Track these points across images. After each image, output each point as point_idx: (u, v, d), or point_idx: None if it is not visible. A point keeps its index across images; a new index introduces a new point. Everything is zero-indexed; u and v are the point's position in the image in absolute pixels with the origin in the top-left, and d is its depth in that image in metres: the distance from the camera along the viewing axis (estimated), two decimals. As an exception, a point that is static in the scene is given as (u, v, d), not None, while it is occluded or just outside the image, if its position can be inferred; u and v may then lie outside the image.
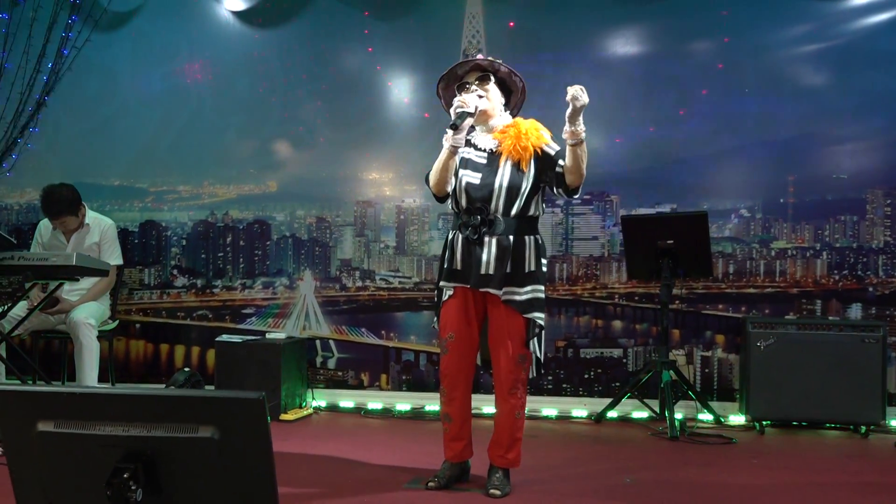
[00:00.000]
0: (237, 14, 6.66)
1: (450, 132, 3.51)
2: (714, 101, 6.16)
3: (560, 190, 3.67)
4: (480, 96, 3.67)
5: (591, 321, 6.28)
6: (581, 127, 3.36)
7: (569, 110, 3.34)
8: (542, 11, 6.28)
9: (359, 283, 6.52)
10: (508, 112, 3.87)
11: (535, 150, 3.66)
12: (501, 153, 3.65)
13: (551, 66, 6.09)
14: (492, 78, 3.75)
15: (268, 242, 6.67)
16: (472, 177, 3.64)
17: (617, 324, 6.27)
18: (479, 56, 3.77)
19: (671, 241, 5.42)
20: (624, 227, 5.67)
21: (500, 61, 3.77)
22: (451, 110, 3.59)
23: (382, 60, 6.50)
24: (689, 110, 6.18)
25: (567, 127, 3.40)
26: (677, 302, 6.06)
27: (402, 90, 6.49)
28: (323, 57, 6.56)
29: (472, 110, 3.56)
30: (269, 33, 6.64)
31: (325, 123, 6.54)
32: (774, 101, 6.10)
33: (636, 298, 6.20)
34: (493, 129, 3.75)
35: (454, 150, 3.56)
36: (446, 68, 3.85)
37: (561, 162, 3.57)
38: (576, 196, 3.72)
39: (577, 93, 3.31)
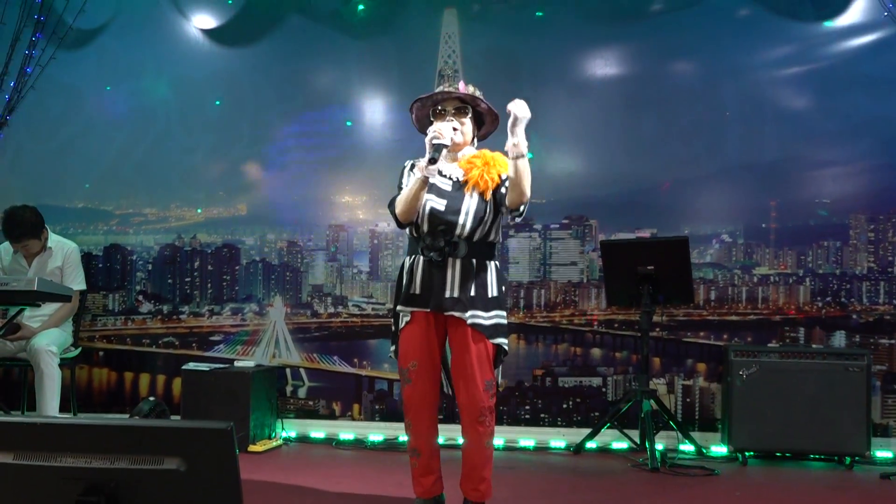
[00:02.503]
0: (206, 32, 6.70)
1: (423, 162, 3.54)
2: (695, 124, 6.23)
3: (503, 208, 3.75)
4: (455, 128, 3.71)
5: (569, 349, 6.31)
6: (521, 140, 3.46)
7: (511, 121, 3.45)
8: (519, 31, 6.35)
9: (331, 310, 6.52)
10: (476, 143, 3.92)
11: (498, 180, 3.74)
12: (467, 182, 3.71)
13: (529, 87, 6.12)
14: (469, 110, 3.80)
15: (237, 267, 6.66)
16: (436, 202, 3.68)
17: (596, 352, 6.29)
18: (461, 85, 3.81)
19: (651, 267, 5.46)
20: (603, 253, 5.71)
21: (481, 96, 3.80)
22: (427, 140, 3.62)
23: (357, 81, 6.54)
24: (669, 133, 6.24)
25: (509, 141, 3.49)
26: (658, 329, 6.11)
27: (376, 111, 6.54)
28: (294, 77, 6.61)
29: (447, 142, 3.61)
30: (240, 52, 6.69)
31: (297, 145, 6.57)
32: (756, 124, 6.18)
33: (616, 326, 6.23)
34: (461, 158, 3.80)
35: (427, 181, 3.60)
36: (425, 92, 3.88)
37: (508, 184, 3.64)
38: (519, 217, 3.80)
39: (517, 106, 3.44)
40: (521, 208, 3.69)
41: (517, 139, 3.43)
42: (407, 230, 3.78)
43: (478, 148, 3.89)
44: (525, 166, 3.48)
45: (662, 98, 6.25)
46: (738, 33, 6.17)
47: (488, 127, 3.94)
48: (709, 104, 6.23)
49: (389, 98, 6.48)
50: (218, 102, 6.69)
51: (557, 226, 6.26)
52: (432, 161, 3.50)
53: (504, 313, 3.73)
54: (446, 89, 3.79)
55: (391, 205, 3.78)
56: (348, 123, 6.50)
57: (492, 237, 3.72)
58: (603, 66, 6.34)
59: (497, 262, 3.79)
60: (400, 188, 3.75)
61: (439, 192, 3.67)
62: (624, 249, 5.70)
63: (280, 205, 6.63)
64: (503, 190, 3.68)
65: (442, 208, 3.65)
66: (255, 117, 6.60)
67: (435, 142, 3.56)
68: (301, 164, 6.55)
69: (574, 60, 6.39)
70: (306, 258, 6.57)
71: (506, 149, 3.51)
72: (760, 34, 6.13)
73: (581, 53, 6.38)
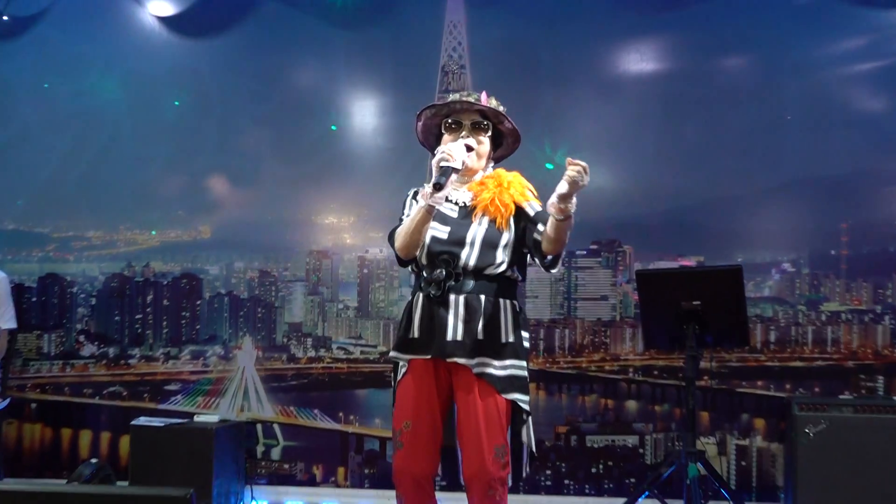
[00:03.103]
0: (165, 20, 6.72)
1: (428, 188, 3.48)
2: (748, 131, 6.20)
3: (535, 258, 3.69)
4: (470, 148, 3.65)
5: (599, 401, 6.28)
6: (573, 204, 3.36)
7: (564, 189, 3.31)
8: (538, 20, 6.34)
9: (311, 353, 6.51)
10: (491, 164, 3.86)
11: (515, 207, 3.67)
12: (476, 206, 3.66)
13: (549, 86, 6.15)
14: (490, 127, 3.75)
15: (198, 302, 6.66)
16: (438, 230, 3.62)
17: (632, 404, 6.26)
18: (484, 96, 3.75)
19: (698, 303, 5.41)
20: (640, 285, 5.67)
21: (504, 112, 3.76)
22: (433, 162, 3.55)
23: (344, 78, 6.57)
24: (718, 141, 6.22)
25: (555, 201, 3.37)
26: (706, 378, 6.05)
27: (366, 114, 6.56)
28: (269, 74, 6.62)
29: (457, 165, 3.53)
30: (204, 44, 6.72)
31: (272, 155, 6.59)
32: (822, 130, 6.15)
33: (655, 373, 6.20)
34: (472, 180, 3.74)
35: (433, 210, 3.53)
36: (437, 97, 3.87)
37: (541, 227, 3.57)
38: (554, 270, 3.71)
39: (579, 175, 3.27)
40: (553, 259, 3.62)
41: (565, 203, 3.33)
42: (411, 267, 3.74)
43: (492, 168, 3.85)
44: (568, 226, 3.42)
45: (709, 99, 6.24)
46: (800, 23, 6.15)
47: (506, 149, 3.88)
48: (765, 107, 6.19)
49: (383, 99, 6.50)
50: (177, 104, 6.73)
51: (584, 252, 6.24)
52: (438, 187, 3.41)
53: (523, 364, 3.65)
54: (465, 98, 3.72)
55: (391, 238, 3.73)
56: (333, 129, 6.50)
57: (507, 272, 3.65)
58: (638, 60, 6.34)
59: (516, 302, 3.72)
60: (402, 220, 3.73)
61: (443, 219, 3.61)
62: (664, 281, 5.65)
63: (251, 227, 6.65)
64: (535, 230, 3.59)
65: (444, 236, 3.59)
66: (223, 122, 6.62)
67: (443, 164, 3.46)
68: (276, 179, 6.56)
69: (603, 54, 6.41)
70: (282, 291, 6.56)
71: (549, 208, 3.43)
72: (827, 24, 6.14)
73: (612, 46, 6.40)
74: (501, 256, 3.67)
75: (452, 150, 3.54)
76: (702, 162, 6.21)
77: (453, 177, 3.55)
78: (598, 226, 6.28)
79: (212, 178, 6.48)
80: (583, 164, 3.28)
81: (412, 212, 3.62)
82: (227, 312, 6.58)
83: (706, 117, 6.20)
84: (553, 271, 3.75)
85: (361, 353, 6.46)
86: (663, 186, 6.22)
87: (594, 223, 6.24)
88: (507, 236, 3.69)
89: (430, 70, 6.21)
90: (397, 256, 3.75)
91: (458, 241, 3.63)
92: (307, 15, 6.50)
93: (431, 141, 3.82)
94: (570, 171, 3.28)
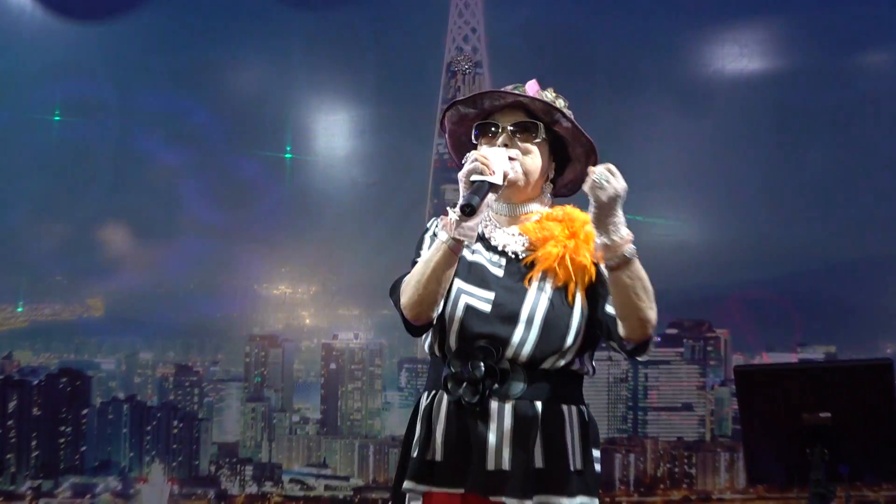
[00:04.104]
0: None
1: (455, 215, 3.16)
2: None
3: (610, 342, 3.34)
4: (512, 158, 3.35)
5: (681, 563, 6.23)
6: (622, 234, 3.03)
7: (592, 205, 2.99)
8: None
9: (252, 488, 6.34)
10: (550, 189, 3.57)
11: (593, 269, 3.36)
12: (536, 262, 3.33)
13: (603, 92, 6.07)
14: (540, 129, 3.43)
15: (84, 411, 6.48)
16: (477, 296, 3.31)
17: (730, 568, 6.21)
18: (532, 85, 3.44)
19: (827, 415, 5.11)
20: (740, 388, 5.35)
21: (564, 104, 3.47)
22: (461, 175, 3.25)
23: (303, 81, 6.52)
24: (855, 174, 6.11)
25: (597, 239, 3.07)
26: (841, 528, 5.73)
27: (337, 135, 6.46)
28: (194, 75, 6.56)
29: (497, 180, 3.22)
30: (97, 32, 6.61)
31: (195, 193, 6.43)
32: None
33: (765, 519, 6.13)
34: (523, 216, 3.44)
35: (460, 248, 3.21)
36: (466, 94, 3.60)
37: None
38: (640, 356, 3.37)
39: (602, 177, 2.97)
40: (638, 343, 3.28)
41: (607, 235, 3.01)
42: (425, 345, 3.41)
43: (555, 204, 3.53)
44: (635, 276, 3.09)
45: (844, 113, 6.10)
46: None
47: (577, 168, 3.56)
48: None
49: (360, 111, 6.45)
50: (58, 118, 6.56)
51: (658, 339, 5.99)
52: (469, 211, 3.10)
53: (596, 502, 3.36)
54: (507, 90, 3.43)
55: (394, 290, 3.40)
56: (287, 155, 6.35)
57: (576, 365, 3.32)
58: (737, 57, 6.24)
59: (584, 408, 3.39)
60: (414, 263, 3.34)
61: (481, 278, 3.31)
62: (777, 382, 5.36)
63: (163, 300, 6.56)
64: (599, 292, 3.29)
65: (486, 308, 3.28)
66: (123, 144, 6.57)
67: (475, 177, 3.16)
68: (201, 228, 6.48)
69: (685, 47, 6.36)
70: (209, 395, 6.46)
71: (596, 255, 3.14)
72: None
73: (697, 35, 6.32)
74: (569, 343, 3.30)
75: (489, 155, 3.21)
76: (832, 205, 6.13)
77: (490, 197, 3.20)
78: (679, 300, 6.16)
79: (105, 226, 6.33)
80: (608, 165, 2.97)
81: (429, 250, 3.26)
82: (126, 427, 6.43)
83: (839, 139, 6.13)
84: (639, 358, 3.40)
85: (326, 488, 6.29)
86: (774, 241, 6.12)
87: (673, 296, 6.07)
88: (578, 313, 3.31)
89: (432, 69, 6.26)
90: (404, 319, 3.38)
91: (507, 317, 3.30)
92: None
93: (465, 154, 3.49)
94: (591, 174, 2.96)
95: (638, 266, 3.06)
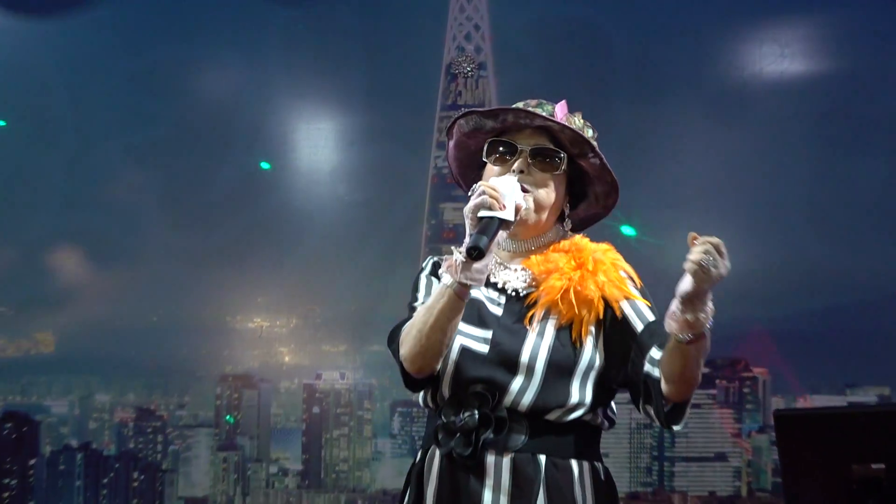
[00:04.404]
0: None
1: (459, 255, 3.01)
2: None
3: (647, 406, 3.18)
4: (526, 190, 3.20)
5: None
6: (707, 311, 2.88)
7: (688, 285, 2.83)
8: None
9: None
10: (569, 226, 3.41)
11: (606, 307, 3.18)
12: (538, 299, 3.16)
13: (621, 97, 6.11)
14: (563, 160, 3.28)
15: (32, 461, 6.38)
16: (474, 336, 3.20)
17: None
18: (560, 108, 3.29)
19: (881, 466, 4.94)
20: (780, 435, 5.20)
21: (593, 135, 3.31)
22: (466, 210, 3.10)
23: (282, 84, 6.45)
24: None
25: (677, 311, 2.90)
26: None
27: (320, 146, 6.38)
28: (158, 77, 6.49)
29: (509, 216, 3.07)
30: (48, 28, 6.45)
31: (159, 213, 6.28)
32: None
33: (811, 589, 5.80)
34: (529, 250, 3.28)
35: (466, 293, 3.06)
36: (441, 118, 3.39)
37: (655, 353, 3.09)
38: (677, 426, 3.22)
39: (709, 258, 2.80)
40: (676, 408, 3.12)
41: (694, 314, 2.86)
42: (419, 397, 3.26)
43: (565, 237, 3.37)
44: (703, 348, 2.95)
45: None
46: None
47: (595, 205, 3.42)
48: None
49: (346, 119, 6.41)
50: (3, 123, 6.31)
51: None
52: (477, 254, 2.96)
53: None
54: (530, 107, 3.27)
55: (393, 340, 3.26)
56: (264, 167, 6.20)
57: (589, 417, 3.18)
58: (777, 58, 6.14)
59: (599, 465, 3.24)
60: (413, 309, 3.16)
61: (478, 318, 3.21)
62: (823, 429, 5.19)
63: (123, 335, 6.57)
64: (646, 357, 3.12)
65: (482, 349, 3.16)
66: (78, 155, 6.50)
67: (483, 213, 3.03)
68: (167, 252, 6.40)
69: (716, 46, 6.28)
70: (174, 443, 6.46)
71: (668, 326, 2.97)
72: None
73: (731, 32, 6.25)
74: (578, 392, 3.14)
75: (500, 186, 3.06)
76: (885, 226, 6.05)
77: (501, 235, 3.04)
78: (711, 335, 5.86)
79: (56, 251, 6.13)
80: (714, 239, 2.76)
81: (431, 295, 3.09)
82: (80, 479, 6.31)
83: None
84: (676, 427, 3.22)
85: (310, 552, 6.18)
86: (820, 268, 6.06)
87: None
88: (588, 356, 3.15)
89: (430, 72, 6.18)
90: (404, 373, 3.23)
91: (505, 361, 3.17)
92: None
93: (470, 178, 3.31)
94: (696, 253, 2.77)
95: (708, 343, 2.90)
